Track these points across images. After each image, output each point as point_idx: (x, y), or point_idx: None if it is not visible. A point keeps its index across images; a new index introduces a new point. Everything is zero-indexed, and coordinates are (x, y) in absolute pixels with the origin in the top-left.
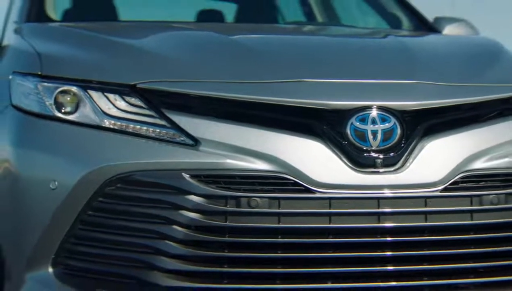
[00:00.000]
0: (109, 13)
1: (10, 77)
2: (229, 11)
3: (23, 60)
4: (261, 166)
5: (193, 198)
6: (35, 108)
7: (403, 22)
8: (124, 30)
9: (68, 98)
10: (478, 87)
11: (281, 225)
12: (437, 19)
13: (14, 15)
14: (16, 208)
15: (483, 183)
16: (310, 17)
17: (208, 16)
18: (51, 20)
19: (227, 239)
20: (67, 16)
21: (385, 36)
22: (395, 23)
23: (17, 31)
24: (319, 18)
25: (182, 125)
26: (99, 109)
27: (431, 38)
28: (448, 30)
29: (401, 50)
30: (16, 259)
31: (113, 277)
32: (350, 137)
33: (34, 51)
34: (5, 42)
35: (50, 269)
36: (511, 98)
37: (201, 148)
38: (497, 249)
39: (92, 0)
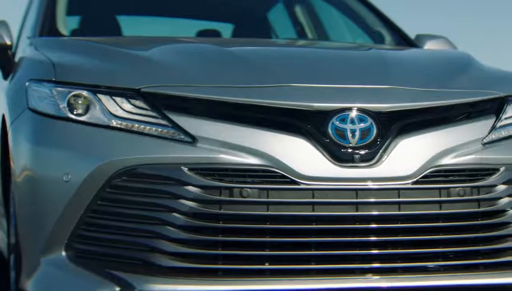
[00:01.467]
0: (113, 34)
1: (27, 84)
2: (226, 31)
3: (38, 68)
4: (251, 160)
5: (191, 188)
6: (50, 111)
7: (386, 38)
8: (129, 42)
9: (80, 101)
10: (447, 92)
11: (269, 212)
12: (418, 36)
13: (27, 31)
14: (33, 198)
15: (450, 177)
16: (301, 35)
17: (207, 36)
18: (61, 35)
19: (221, 225)
20: (75, 34)
21: (365, 49)
22: (379, 40)
23: (31, 44)
24: (310, 36)
25: (181, 124)
26: (107, 111)
27: (408, 51)
28: (428, 46)
29: (378, 59)
30: (33, 244)
31: (120, 259)
32: (331, 135)
33: (48, 61)
34: (20, 55)
35: (63, 253)
36: (476, 102)
37: (198, 144)
38: (463, 236)
39: (98, 22)
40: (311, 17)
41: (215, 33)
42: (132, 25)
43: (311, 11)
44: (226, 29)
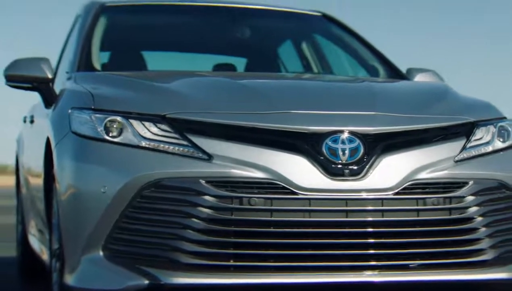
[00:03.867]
0: (139, 67)
1: (69, 111)
2: (240, 65)
3: (79, 98)
4: (258, 174)
5: (207, 198)
6: (90, 133)
7: (381, 72)
8: (154, 76)
9: (115, 125)
10: (424, 117)
11: (273, 218)
12: (409, 69)
13: (65, 67)
14: (75, 207)
15: (427, 189)
16: (307, 69)
17: (222, 69)
18: (96, 70)
19: (232, 229)
20: (105, 68)
21: (359, 81)
22: (374, 73)
23: (71, 78)
24: (315, 70)
25: (199, 144)
26: (138, 133)
27: (395, 83)
28: (418, 78)
29: (367, 90)
30: (75, 246)
31: (148, 257)
32: (325, 153)
33: (87, 92)
34: (60, 86)
35: (101, 253)
36: (450, 126)
37: (213, 161)
38: (437, 239)
39: (126, 57)
40: (316, 53)
41: (230, 67)
42: (155, 60)
43: (316, 48)
44: (240, 63)
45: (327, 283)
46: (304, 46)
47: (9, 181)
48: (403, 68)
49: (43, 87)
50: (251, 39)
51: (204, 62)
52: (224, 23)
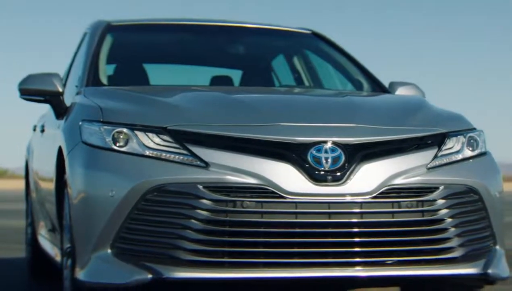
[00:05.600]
0: (142, 79)
1: (80, 123)
2: (237, 77)
3: (88, 111)
4: (250, 180)
5: (204, 201)
6: (99, 143)
7: (365, 86)
8: (157, 91)
9: (121, 136)
10: (400, 129)
11: (263, 219)
12: (392, 83)
13: (74, 81)
14: (86, 210)
15: (401, 193)
16: (299, 81)
17: (220, 80)
18: (102, 84)
19: (227, 229)
20: (111, 80)
21: (341, 95)
22: (359, 87)
23: (79, 93)
24: (306, 82)
25: (197, 153)
26: (142, 143)
27: (377, 97)
28: (399, 91)
29: (349, 104)
30: (85, 245)
31: (152, 254)
32: (310, 161)
33: (96, 106)
34: (70, 100)
35: (109, 250)
36: (423, 137)
37: (210, 168)
38: (410, 238)
39: (130, 70)
40: (306, 66)
41: (227, 78)
42: (157, 72)
43: (306, 62)
44: (236, 75)
45: (310, 278)
46: (295, 60)
47: (6, 184)
48: (386, 81)
49: (54, 100)
50: (245, 54)
51: (203, 74)
52: (221, 40)
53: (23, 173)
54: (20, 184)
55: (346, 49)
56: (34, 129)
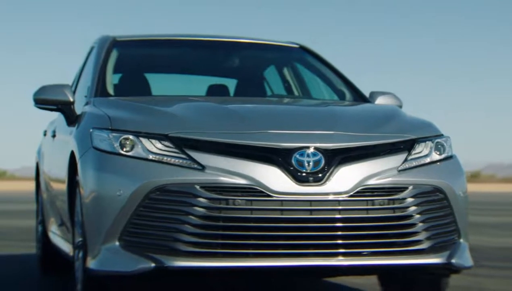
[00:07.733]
0: (145, 88)
1: (91, 130)
2: (232, 85)
3: (98, 120)
4: (241, 181)
5: (201, 200)
6: (108, 149)
7: (347, 95)
8: (159, 101)
9: (127, 142)
10: (374, 135)
11: (252, 215)
12: (372, 93)
13: (82, 91)
14: (96, 207)
15: (375, 192)
16: (289, 91)
17: (216, 89)
18: (109, 94)
19: (221, 224)
20: (117, 89)
21: (323, 105)
22: (342, 96)
23: (89, 103)
24: (295, 92)
25: (195, 157)
26: (146, 148)
27: (356, 106)
28: (379, 100)
29: (330, 113)
30: (96, 238)
31: (155, 246)
32: (294, 164)
33: (105, 115)
34: (80, 109)
35: (117, 243)
36: (395, 142)
37: (206, 170)
38: (383, 232)
39: (133, 79)
40: (296, 77)
41: (223, 87)
42: (158, 81)
43: (295, 73)
44: (232, 83)
45: (294, 266)
46: (285, 71)
47: (6, 186)
48: (367, 91)
49: (66, 109)
50: (240, 65)
51: (200, 83)
52: (217, 53)
53: (22, 174)
54: (20, 185)
55: (349, 53)
56: (45, 134)
